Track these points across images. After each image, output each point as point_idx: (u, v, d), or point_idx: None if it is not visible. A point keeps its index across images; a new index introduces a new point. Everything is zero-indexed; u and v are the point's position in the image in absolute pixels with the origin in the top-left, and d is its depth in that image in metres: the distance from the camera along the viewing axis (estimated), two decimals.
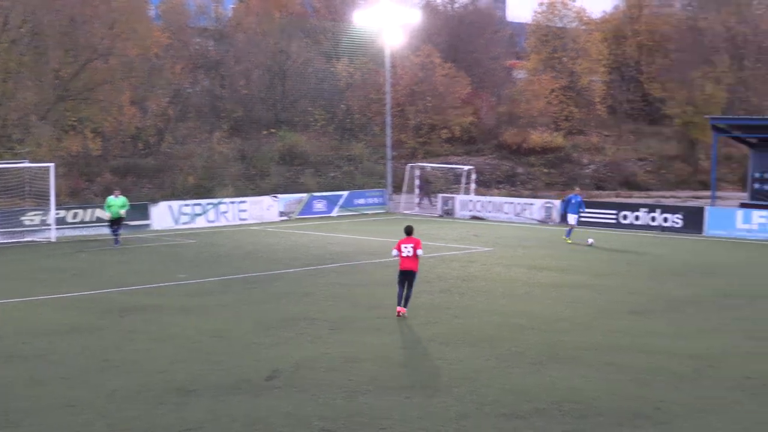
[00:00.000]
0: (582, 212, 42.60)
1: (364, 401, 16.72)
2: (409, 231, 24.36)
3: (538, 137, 74.74)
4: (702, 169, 74.75)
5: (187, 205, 49.65)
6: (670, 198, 66.13)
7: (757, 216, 45.07)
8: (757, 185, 51.49)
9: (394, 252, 24.28)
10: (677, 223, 47.24)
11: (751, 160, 53.24)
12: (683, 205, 53.87)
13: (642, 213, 48.66)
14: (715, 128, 52.20)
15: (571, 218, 42.12)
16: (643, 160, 77.34)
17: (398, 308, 24.05)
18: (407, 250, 23.82)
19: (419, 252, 23.83)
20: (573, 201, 42.18)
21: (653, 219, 47.98)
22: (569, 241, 41.30)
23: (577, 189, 45.76)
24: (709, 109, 69.95)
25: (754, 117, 61.75)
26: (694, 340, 22.03)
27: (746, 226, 45.03)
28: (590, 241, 41.04)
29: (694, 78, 74.24)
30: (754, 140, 52.60)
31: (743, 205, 50.20)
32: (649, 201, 60.67)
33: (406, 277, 24.00)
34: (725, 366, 19.56)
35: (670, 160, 77.61)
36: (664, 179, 75.02)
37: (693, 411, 16.39)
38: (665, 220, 47.51)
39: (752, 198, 51.38)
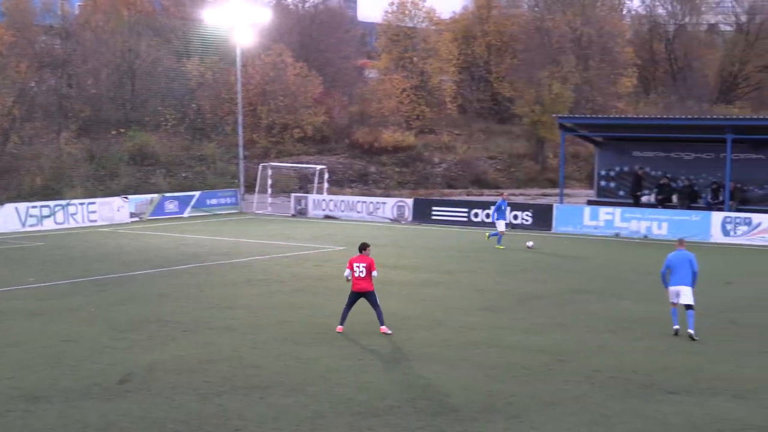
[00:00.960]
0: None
1: (219, 402, 16.66)
2: (362, 248, 22.89)
3: (389, 136, 75.26)
4: (550, 167, 76.36)
5: (34, 206, 48.45)
6: (520, 196, 67.34)
7: (604, 213, 46.31)
8: (603, 183, 52.84)
9: (347, 272, 22.40)
10: (527, 220, 48.21)
11: (597, 158, 54.56)
12: (532, 203, 54.89)
13: (492, 211, 49.43)
14: (563, 127, 53.22)
15: (501, 224, 40.81)
16: (493, 158, 78.57)
17: (338, 327, 22.47)
18: (359, 269, 22.28)
19: (374, 273, 22.32)
20: (503, 207, 41.25)
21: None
22: (501, 247, 39.88)
23: (505, 193, 45.02)
24: (556, 108, 71.49)
25: (599, 116, 63.23)
26: (543, 335, 22.54)
27: (593, 223, 46.24)
28: (530, 244, 40.42)
29: (542, 78, 75.82)
30: (599, 139, 53.90)
31: (590, 203, 51.50)
32: (500, 199, 61.72)
33: (359, 297, 22.44)
34: (574, 360, 20.07)
35: (520, 158, 79.02)
36: (513, 177, 76.37)
37: (543, 404, 16.79)
38: (515, 217, 48.39)
39: (598, 195, 52.71)
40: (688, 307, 22.32)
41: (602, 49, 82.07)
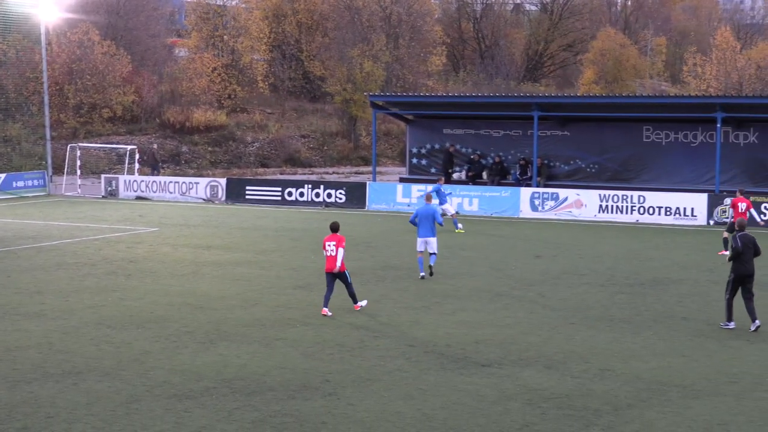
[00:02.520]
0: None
1: (29, 390, 16.23)
2: (334, 228, 22.65)
3: (201, 115, 74.40)
4: (363, 144, 76.92)
5: None
6: (333, 174, 67.66)
7: (416, 190, 46.93)
8: (414, 160, 53.50)
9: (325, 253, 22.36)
10: (341, 198, 48.50)
11: (408, 136, 55.19)
12: (346, 181, 55.25)
13: (306, 189, 49.60)
14: (374, 105, 53.64)
15: (449, 207, 39.43)
16: (305, 137, 78.62)
17: (323, 309, 22.24)
18: (330, 248, 22.09)
19: (340, 251, 21.99)
20: (441, 190, 39.01)
21: (317, 195, 49.03)
22: (462, 231, 38.28)
23: (442, 179, 42.41)
24: (367, 86, 72.06)
25: (409, 94, 63.98)
26: (357, 312, 22.68)
27: (406, 200, 46.84)
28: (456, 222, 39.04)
29: (353, 56, 76.21)
30: (410, 117, 54.52)
31: (402, 180, 52.12)
32: (313, 177, 61.97)
33: (333, 278, 22.31)
34: (388, 336, 20.31)
35: (332, 136, 79.27)
36: (327, 155, 76.60)
37: (359, 380, 16.94)
38: (329, 195, 48.64)
39: (410, 172, 53.36)
40: (433, 254, 27.32)
41: (412, 27, 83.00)
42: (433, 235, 26.99)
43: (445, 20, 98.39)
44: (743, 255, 20.71)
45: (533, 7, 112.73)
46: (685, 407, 15.44)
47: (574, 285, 26.78)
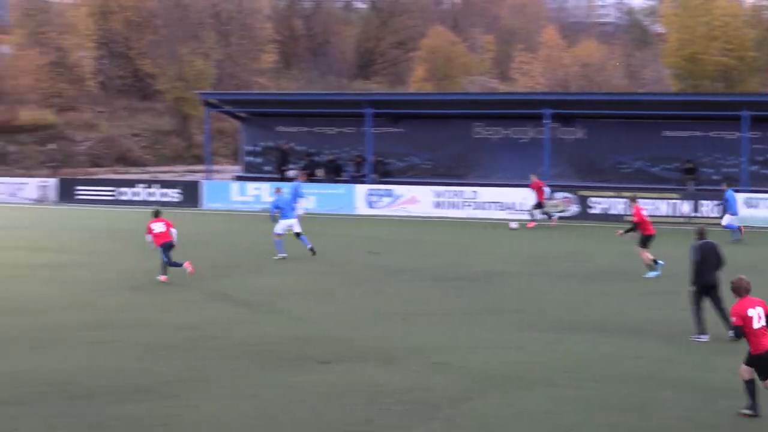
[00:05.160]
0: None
1: None
2: (157, 213, 27.42)
3: (28, 114, 72.75)
4: (196, 143, 76.08)
5: None
6: (168, 173, 66.75)
7: (252, 188, 46.77)
8: (249, 158, 53.21)
9: (148, 237, 26.74)
10: (176, 197, 47.87)
11: (243, 134, 54.91)
12: (180, 180, 54.66)
13: (140, 188, 48.86)
14: (207, 103, 53.26)
15: (300, 210, 36.30)
16: (137, 135, 77.48)
17: (162, 276, 26.44)
18: (160, 227, 26.69)
19: (172, 231, 26.80)
20: (298, 189, 36.74)
21: (152, 194, 48.30)
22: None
23: (302, 176, 40.98)
24: (200, 84, 71.38)
25: (242, 92, 63.69)
26: (191, 311, 22.37)
27: (242, 198, 46.58)
28: (513, 225, 38.95)
29: (183, 54, 75.34)
30: (244, 114, 54.28)
31: (238, 178, 51.78)
32: (147, 176, 60.96)
33: (169, 248, 26.57)
34: (225, 336, 20.02)
35: (165, 135, 78.32)
36: (160, 154, 75.60)
37: (200, 380, 16.61)
38: (164, 194, 47.95)
39: (246, 171, 53.05)
40: (298, 234, 30.62)
41: (242, 25, 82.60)
42: (295, 218, 31.22)
43: (275, 17, 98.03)
44: (703, 264, 19.61)
45: (363, 6, 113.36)
46: (519, 398, 15.65)
47: (409, 280, 26.95)
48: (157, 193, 48.05)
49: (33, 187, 50.98)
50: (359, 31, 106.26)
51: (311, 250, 30.65)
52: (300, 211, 38.25)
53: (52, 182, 50.92)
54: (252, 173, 52.05)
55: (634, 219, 27.49)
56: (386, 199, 44.42)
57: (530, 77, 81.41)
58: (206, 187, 48.01)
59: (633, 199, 29.54)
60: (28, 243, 34.49)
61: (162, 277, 26.32)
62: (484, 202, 43.29)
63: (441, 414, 14.89)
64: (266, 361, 17.95)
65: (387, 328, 20.76)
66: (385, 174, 49.04)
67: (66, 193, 49.73)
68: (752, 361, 14.42)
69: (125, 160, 73.00)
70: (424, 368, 17.51)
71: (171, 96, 76.46)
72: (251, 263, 30.14)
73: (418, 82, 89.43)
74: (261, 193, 46.17)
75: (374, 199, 44.71)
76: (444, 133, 49.12)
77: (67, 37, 79.55)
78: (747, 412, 14.40)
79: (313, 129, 51.78)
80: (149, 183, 49.80)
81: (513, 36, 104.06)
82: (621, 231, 28.53)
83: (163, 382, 16.51)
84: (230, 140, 75.32)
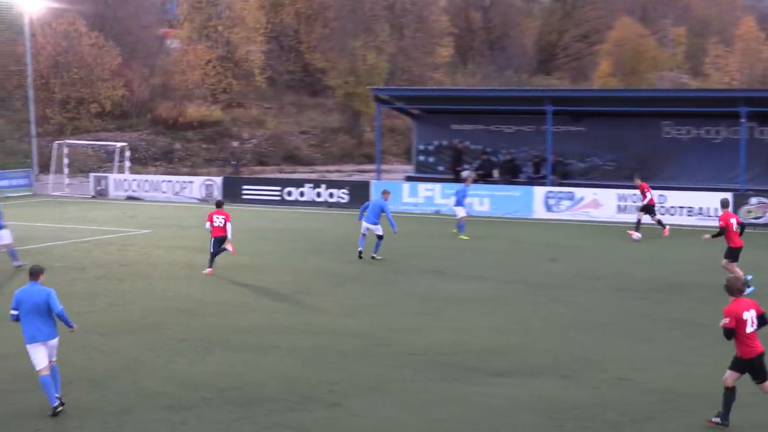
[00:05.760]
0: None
1: (12, 402, 16.27)
2: (219, 204, 30.19)
3: (195, 111, 74.32)
4: (367, 141, 76.62)
5: None
6: (336, 172, 67.60)
7: (423, 189, 46.84)
8: (421, 157, 53.44)
9: (207, 224, 29.12)
10: (343, 198, 48.41)
11: (415, 132, 55.11)
12: (349, 180, 55.17)
13: (307, 189, 49.59)
14: (378, 99, 53.43)
15: (461, 210, 37.69)
16: (305, 133, 78.44)
17: (207, 270, 28.80)
18: (219, 221, 28.83)
19: (228, 225, 28.90)
20: (461, 193, 37.86)
21: (319, 195, 49.03)
22: (466, 238, 37.11)
23: (469, 180, 40.59)
24: (371, 79, 71.81)
25: (415, 87, 64.02)
26: (360, 317, 22.74)
27: (412, 200, 46.71)
28: (636, 236, 37.49)
29: (355, 47, 75.90)
30: (416, 111, 54.46)
31: (409, 178, 51.98)
32: (314, 176, 61.89)
33: (221, 242, 28.88)
34: (392, 343, 20.30)
35: (334, 132, 79.04)
36: (328, 153, 76.39)
37: (364, 390, 16.95)
38: (331, 195, 48.61)
39: (417, 170, 53.27)
40: (380, 237, 31.44)
41: (417, 17, 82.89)
42: (377, 223, 31.91)
43: (451, 9, 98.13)
44: None
45: None
46: (707, 418, 15.38)
47: (589, 290, 26.75)
48: (324, 194, 48.72)
49: (198, 185, 52.34)
50: (540, 23, 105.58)
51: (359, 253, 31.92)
52: (462, 213, 38.34)
53: (217, 181, 52.18)
54: (424, 173, 52.24)
55: None
56: (566, 202, 44.02)
57: (725, 72, 79.55)
58: (375, 188, 48.35)
59: None
60: (193, 243, 35.45)
61: (207, 270, 28.75)
62: (672, 207, 42.49)
63: None
64: (435, 372, 18.14)
65: (564, 340, 20.71)
66: (564, 175, 48.63)
67: (231, 193, 50.77)
68: (742, 365, 14.58)
69: (292, 158, 73.99)
70: (601, 383, 17.43)
71: (341, 92, 77.25)
72: (421, 268, 30.28)
73: (602, 78, 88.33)
74: (433, 194, 46.32)
75: (553, 201, 44.37)
76: (629, 133, 48.42)
77: (235, 31, 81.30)
78: (717, 420, 14.57)
79: (490, 127, 51.66)
80: (316, 183, 50.45)
81: (706, 28, 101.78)
82: None
83: (327, 390, 16.87)
84: (402, 138, 75.76)
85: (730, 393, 14.65)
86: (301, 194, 49.38)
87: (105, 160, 64.32)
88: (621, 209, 43.36)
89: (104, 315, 23.01)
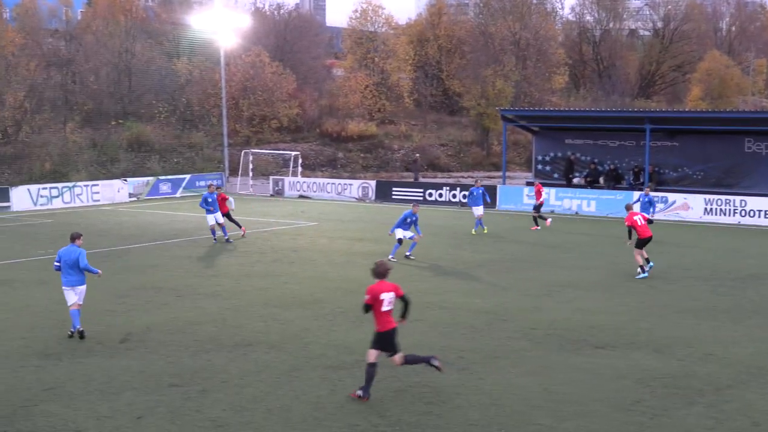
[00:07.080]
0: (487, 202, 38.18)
1: (207, 358, 16.61)
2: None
3: (355, 126, 75.00)
4: (494, 152, 76.31)
5: (44, 188, 47.99)
6: (468, 178, 67.39)
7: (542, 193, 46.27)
8: (540, 166, 52.98)
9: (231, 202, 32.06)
10: None
11: (534, 145, 54.67)
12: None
13: (444, 191, 49.60)
14: (504, 118, 53.25)
15: (478, 210, 36.90)
16: (444, 145, 78.44)
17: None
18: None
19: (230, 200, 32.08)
20: (475, 193, 37.18)
21: (454, 196, 48.96)
22: (485, 230, 36.64)
23: (478, 182, 40.46)
24: (499, 102, 71.51)
25: (536, 109, 63.35)
26: (487, 297, 22.61)
27: (532, 201, 46.20)
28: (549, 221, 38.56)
29: (486, 75, 75.73)
30: (536, 128, 54.01)
31: (528, 183, 51.58)
32: (450, 181, 61.81)
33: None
34: (513, 319, 20.16)
35: (468, 145, 78.90)
36: (462, 162, 76.27)
37: (488, 357, 16.86)
38: (464, 197, 48.40)
39: (536, 177, 52.72)
40: (400, 241, 28.49)
41: (538, 50, 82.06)
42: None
43: (567, 44, 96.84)
44: None
45: (646, 33, 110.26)
46: None
47: (680, 279, 26.13)
48: (459, 195, 48.55)
49: (356, 187, 52.69)
50: (642, 55, 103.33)
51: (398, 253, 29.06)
52: (480, 212, 36.86)
53: (372, 183, 52.45)
54: (541, 179, 51.66)
55: None
56: (660, 205, 43.05)
57: None
58: (501, 191, 48.10)
59: None
60: (352, 234, 35.72)
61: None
62: (752, 210, 41.25)
63: (704, 399, 14.47)
64: (549, 344, 17.96)
65: (657, 320, 20.27)
66: (660, 183, 47.64)
67: (383, 193, 51.06)
68: (377, 338, 14.32)
69: (433, 166, 74.10)
70: (688, 357, 17.03)
71: (474, 112, 77.06)
72: (542, 258, 29.99)
73: (693, 101, 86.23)
74: (548, 197, 45.74)
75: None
76: (716, 148, 47.15)
77: (389, 62, 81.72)
78: (360, 393, 14.22)
79: (597, 142, 50.87)
80: (452, 186, 50.39)
81: None
82: None
83: (457, 357, 16.84)
84: (523, 150, 75.18)
85: (372, 368, 14.34)
86: (440, 195, 49.36)
87: (282, 166, 65.24)
88: (707, 211, 42.28)
89: (278, 291, 23.33)
